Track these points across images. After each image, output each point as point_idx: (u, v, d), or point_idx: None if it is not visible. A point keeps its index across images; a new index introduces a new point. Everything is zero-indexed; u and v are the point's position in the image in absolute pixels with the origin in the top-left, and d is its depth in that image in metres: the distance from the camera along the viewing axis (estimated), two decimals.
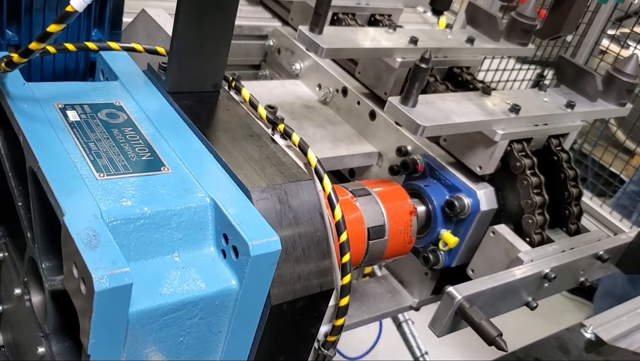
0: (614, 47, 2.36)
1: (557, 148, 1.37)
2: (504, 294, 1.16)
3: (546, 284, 1.23)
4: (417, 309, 1.51)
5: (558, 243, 1.33)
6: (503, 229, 1.31)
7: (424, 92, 1.24)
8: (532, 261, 1.23)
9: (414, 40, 1.45)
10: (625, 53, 2.51)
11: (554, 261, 1.25)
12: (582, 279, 1.37)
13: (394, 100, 1.20)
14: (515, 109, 1.30)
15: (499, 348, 1.03)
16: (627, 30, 2.30)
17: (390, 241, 1.23)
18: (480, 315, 1.05)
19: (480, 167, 1.31)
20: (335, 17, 1.70)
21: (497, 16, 1.60)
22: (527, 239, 1.30)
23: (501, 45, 1.61)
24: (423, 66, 1.16)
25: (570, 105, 1.41)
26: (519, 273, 1.18)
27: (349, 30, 1.50)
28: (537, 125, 1.35)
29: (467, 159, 1.34)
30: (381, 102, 1.49)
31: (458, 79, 1.55)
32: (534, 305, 1.24)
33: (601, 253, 1.34)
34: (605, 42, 2.45)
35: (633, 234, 1.44)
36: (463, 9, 1.95)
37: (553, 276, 1.20)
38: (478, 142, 1.30)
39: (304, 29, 1.33)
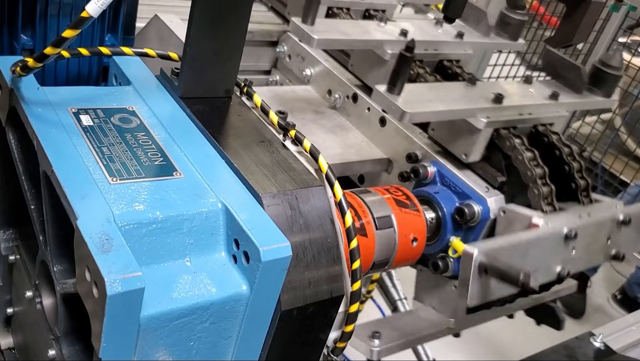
0: (625, 55, 2.36)
1: (557, 140, 1.36)
2: (526, 254, 1.12)
3: (574, 252, 1.20)
4: (456, 334, 1.44)
5: (572, 210, 1.29)
6: (512, 205, 1.28)
7: (413, 82, 1.24)
8: (547, 225, 1.19)
9: (404, 33, 1.48)
10: (637, 61, 2.51)
11: (571, 223, 1.22)
12: (613, 251, 1.32)
13: (380, 88, 1.22)
14: (498, 98, 1.32)
15: (528, 288, 0.99)
16: (638, 38, 2.29)
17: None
18: (502, 262, 1.03)
19: (466, 155, 1.33)
20: (330, 12, 1.72)
21: (485, 11, 1.64)
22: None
23: (489, 40, 1.64)
24: (408, 54, 1.19)
25: (554, 96, 1.43)
26: (536, 232, 1.15)
27: (340, 22, 1.53)
28: (521, 114, 1.36)
29: (453, 147, 1.36)
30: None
31: (448, 71, 1.57)
32: (565, 273, 1.18)
33: (621, 216, 1.30)
34: None
35: None
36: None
37: (574, 234, 1.17)
38: (463, 131, 1.32)
39: (297, 20, 1.36)
